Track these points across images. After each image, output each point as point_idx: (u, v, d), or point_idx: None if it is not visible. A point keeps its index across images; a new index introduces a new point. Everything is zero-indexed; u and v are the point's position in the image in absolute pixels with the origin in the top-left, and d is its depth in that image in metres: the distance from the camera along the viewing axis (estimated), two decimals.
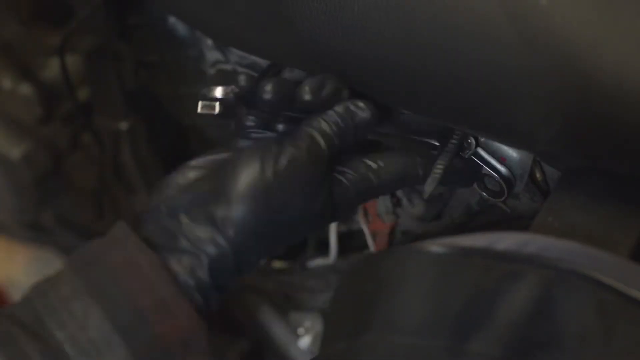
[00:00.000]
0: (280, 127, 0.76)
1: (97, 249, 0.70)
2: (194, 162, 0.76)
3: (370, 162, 0.74)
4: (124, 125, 1.12)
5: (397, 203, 0.93)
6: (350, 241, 1.06)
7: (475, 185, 0.78)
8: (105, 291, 0.67)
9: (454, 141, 0.76)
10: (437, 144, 0.78)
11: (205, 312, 0.70)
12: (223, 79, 0.99)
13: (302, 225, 0.73)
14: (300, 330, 1.19)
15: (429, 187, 0.76)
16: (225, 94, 0.74)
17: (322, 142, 0.71)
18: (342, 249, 1.05)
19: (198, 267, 0.69)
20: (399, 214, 0.93)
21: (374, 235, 0.96)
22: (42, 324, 0.66)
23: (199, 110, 0.74)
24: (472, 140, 0.78)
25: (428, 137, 0.78)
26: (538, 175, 0.76)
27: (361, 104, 0.73)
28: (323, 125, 0.72)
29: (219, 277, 0.70)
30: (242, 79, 0.76)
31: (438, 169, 0.76)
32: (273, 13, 0.71)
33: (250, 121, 0.75)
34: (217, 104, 0.74)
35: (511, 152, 0.76)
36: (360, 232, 0.99)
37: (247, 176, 0.70)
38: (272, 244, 0.73)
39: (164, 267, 0.68)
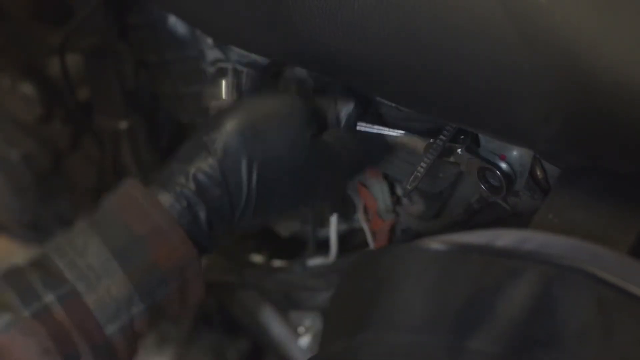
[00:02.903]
0: None
1: (104, 199, 0.74)
2: None
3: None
4: (123, 125, 1.12)
5: (397, 201, 0.93)
6: (351, 240, 1.06)
7: (476, 178, 0.78)
8: (103, 223, 0.71)
9: (439, 141, 0.77)
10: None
11: (199, 240, 0.73)
12: (223, 78, 0.99)
13: (290, 179, 0.75)
14: (300, 329, 1.19)
15: (411, 184, 0.77)
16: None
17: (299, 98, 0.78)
18: (342, 248, 1.05)
19: (188, 192, 0.72)
20: (399, 212, 0.93)
21: (374, 234, 0.96)
22: (46, 257, 0.70)
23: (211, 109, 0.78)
24: (466, 138, 0.78)
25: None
26: (538, 173, 0.76)
27: None
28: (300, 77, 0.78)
29: (210, 201, 0.73)
30: (245, 77, 0.79)
31: (421, 167, 0.76)
32: (273, 12, 0.72)
33: None
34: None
35: (511, 150, 0.76)
36: (361, 231, 0.99)
37: (235, 112, 0.75)
38: (263, 193, 0.74)
39: (156, 197, 0.72)
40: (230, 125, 0.74)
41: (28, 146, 1.20)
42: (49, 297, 0.68)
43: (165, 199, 0.73)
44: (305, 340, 1.19)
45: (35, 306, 0.67)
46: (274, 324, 1.21)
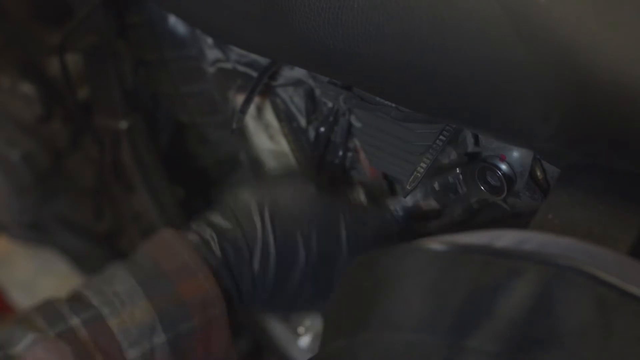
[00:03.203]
0: None
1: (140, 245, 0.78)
2: None
3: None
4: (123, 125, 1.12)
5: None
6: None
7: (476, 179, 0.78)
8: (132, 259, 0.74)
9: (439, 142, 0.77)
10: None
11: (224, 282, 0.75)
12: (223, 77, 0.99)
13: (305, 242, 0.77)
14: (300, 329, 1.19)
15: (410, 185, 0.76)
16: None
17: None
18: None
19: (211, 235, 0.75)
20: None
21: None
22: (77, 290, 0.72)
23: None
24: (467, 139, 0.78)
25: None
26: (538, 173, 0.76)
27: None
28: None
29: (230, 257, 0.75)
30: None
31: (421, 167, 0.76)
32: (272, 12, 0.72)
33: None
34: None
35: (511, 150, 0.76)
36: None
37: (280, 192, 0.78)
38: (281, 249, 0.76)
39: (185, 238, 0.75)
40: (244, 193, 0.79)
41: (28, 146, 1.20)
42: (75, 320, 0.70)
43: (193, 240, 0.75)
44: (305, 340, 1.19)
45: (60, 327, 0.69)
46: (274, 324, 1.21)
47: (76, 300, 0.71)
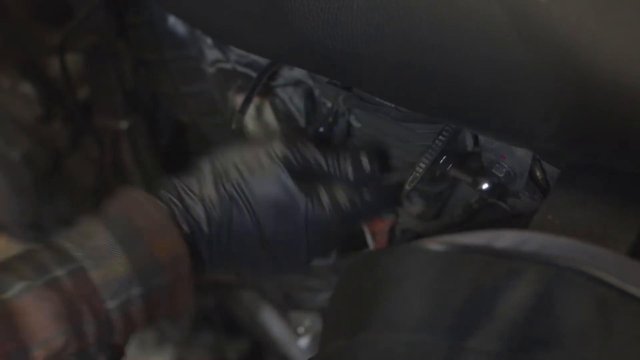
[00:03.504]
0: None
1: (106, 202, 0.82)
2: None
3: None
4: (123, 125, 1.12)
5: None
6: (351, 240, 1.06)
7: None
8: (107, 216, 0.79)
9: (438, 142, 0.77)
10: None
11: (190, 242, 0.80)
12: (222, 78, 0.99)
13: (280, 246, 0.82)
14: (300, 330, 1.19)
15: (410, 184, 0.77)
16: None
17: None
18: (342, 249, 1.05)
19: (175, 207, 0.81)
20: (399, 212, 0.93)
21: (373, 234, 0.96)
22: (56, 241, 0.77)
23: None
24: (467, 139, 0.78)
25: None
26: (538, 173, 0.76)
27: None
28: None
29: (191, 223, 0.81)
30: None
31: (420, 167, 0.76)
32: (271, 12, 0.71)
33: None
34: None
35: (511, 150, 0.76)
36: (360, 231, 0.99)
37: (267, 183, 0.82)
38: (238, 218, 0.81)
39: (155, 199, 0.81)
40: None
41: (28, 146, 1.20)
42: (60, 271, 0.74)
43: (161, 203, 0.81)
44: (305, 340, 1.19)
45: (47, 277, 0.73)
46: (274, 324, 1.21)
47: (58, 251, 0.76)
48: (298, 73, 0.91)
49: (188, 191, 0.82)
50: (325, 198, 0.82)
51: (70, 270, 0.74)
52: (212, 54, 0.98)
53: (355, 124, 0.88)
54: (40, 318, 0.72)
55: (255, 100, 0.94)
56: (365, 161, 0.83)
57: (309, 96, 0.93)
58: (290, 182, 0.81)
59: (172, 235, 0.79)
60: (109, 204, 0.81)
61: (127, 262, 0.76)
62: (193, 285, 0.81)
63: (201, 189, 0.82)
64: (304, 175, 0.82)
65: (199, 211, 0.81)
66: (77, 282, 0.74)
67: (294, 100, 0.94)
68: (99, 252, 0.76)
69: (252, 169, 0.82)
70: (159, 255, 0.77)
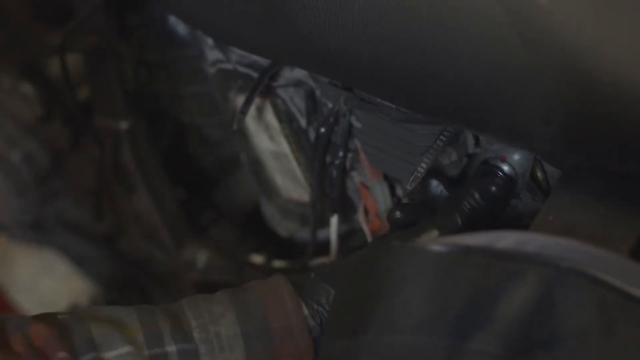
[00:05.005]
0: None
1: (253, 283, 0.77)
2: None
3: None
4: (123, 125, 1.12)
5: (397, 202, 0.93)
6: (351, 241, 1.06)
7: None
8: (244, 304, 0.73)
9: (439, 142, 0.77)
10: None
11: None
12: (223, 78, 0.99)
13: None
14: None
15: (410, 184, 0.77)
16: None
17: None
18: (343, 249, 1.05)
19: (322, 313, 0.75)
20: None
21: (374, 235, 0.96)
22: (182, 311, 0.73)
23: None
24: (468, 140, 0.78)
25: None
26: (539, 174, 0.76)
27: None
28: None
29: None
30: None
31: (421, 167, 0.76)
32: (273, 13, 0.71)
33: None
34: None
35: (512, 151, 0.76)
36: (361, 232, 0.99)
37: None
38: None
39: (300, 303, 0.75)
40: None
41: (28, 146, 1.20)
42: (172, 347, 0.71)
43: (305, 308, 0.75)
44: None
45: (156, 350, 0.70)
46: None
47: (178, 325, 0.72)
48: (299, 73, 0.91)
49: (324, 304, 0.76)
50: None
51: (182, 350, 0.71)
52: (213, 54, 0.98)
53: (357, 124, 0.88)
54: None
55: (256, 100, 0.94)
56: None
57: (310, 97, 0.93)
58: None
59: (304, 343, 0.74)
60: (252, 287, 0.76)
61: (243, 358, 0.72)
62: None
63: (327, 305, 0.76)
64: None
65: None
66: None
67: (295, 101, 0.94)
68: (219, 340, 0.72)
69: None
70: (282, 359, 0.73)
